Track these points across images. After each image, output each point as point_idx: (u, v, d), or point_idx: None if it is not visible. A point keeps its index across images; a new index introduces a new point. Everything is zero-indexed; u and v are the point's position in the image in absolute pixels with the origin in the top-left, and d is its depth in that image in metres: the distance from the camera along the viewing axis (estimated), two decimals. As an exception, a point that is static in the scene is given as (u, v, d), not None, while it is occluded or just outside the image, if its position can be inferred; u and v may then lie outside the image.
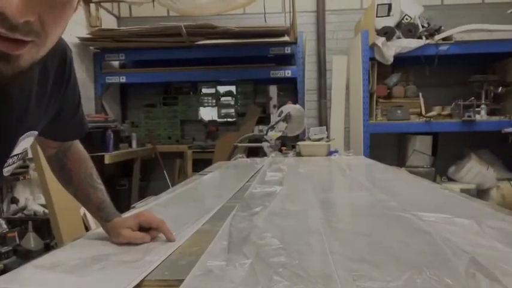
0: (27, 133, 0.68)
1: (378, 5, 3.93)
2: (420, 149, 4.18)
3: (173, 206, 1.34)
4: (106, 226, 0.90)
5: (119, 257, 0.79)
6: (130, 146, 4.17)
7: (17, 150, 0.69)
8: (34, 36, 0.46)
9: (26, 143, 0.70)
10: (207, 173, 2.23)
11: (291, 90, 4.45)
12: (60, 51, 0.71)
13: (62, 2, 0.47)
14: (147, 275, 0.69)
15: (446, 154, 4.34)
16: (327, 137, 3.62)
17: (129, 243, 0.86)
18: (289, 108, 3.42)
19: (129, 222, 0.88)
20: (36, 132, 0.73)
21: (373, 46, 3.91)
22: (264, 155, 3.33)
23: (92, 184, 0.94)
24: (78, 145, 0.98)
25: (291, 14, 3.88)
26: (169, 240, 0.87)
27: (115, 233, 0.87)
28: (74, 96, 0.81)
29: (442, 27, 3.97)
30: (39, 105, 0.69)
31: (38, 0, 0.43)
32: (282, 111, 3.42)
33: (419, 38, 3.90)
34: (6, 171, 0.70)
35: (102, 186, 0.95)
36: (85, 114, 0.95)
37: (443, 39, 3.90)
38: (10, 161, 0.69)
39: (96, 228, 1.03)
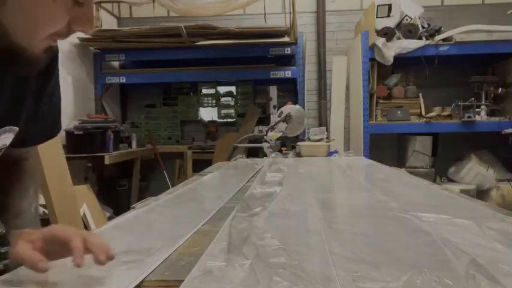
0: (4, 128, 0.70)
1: (378, 5, 3.93)
2: (420, 150, 4.18)
3: (173, 207, 1.34)
4: (12, 233, 0.68)
5: (117, 257, 0.79)
6: (130, 146, 4.17)
7: None
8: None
9: (4, 138, 0.71)
10: (207, 173, 2.23)
11: (291, 90, 4.45)
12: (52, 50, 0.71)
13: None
14: (147, 276, 0.69)
15: (446, 155, 4.34)
16: (327, 138, 3.62)
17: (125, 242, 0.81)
18: (289, 108, 3.42)
19: (35, 235, 0.65)
20: (16, 129, 0.73)
21: (373, 47, 3.91)
22: (264, 155, 3.33)
23: (23, 195, 0.86)
24: (31, 160, 0.91)
25: (291, 14, 3.88)
26: (76, 263, 0.62)
27: (14, 243, 0.65)
28: (54, 93, 0.81)
29: (442, 28, 3.97)
30: (19, 99, 0.70)
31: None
32: (282, 112, 3.42)
33: (420, 38, 3.90)
34: None
35: (35, 202, 0.87)
36: (61, 117, 0.89)
37: (444, 39, 3.90)
38: None
39: (97, 228, 1.02)
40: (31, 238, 0.64)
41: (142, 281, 0.67)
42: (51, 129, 0.86)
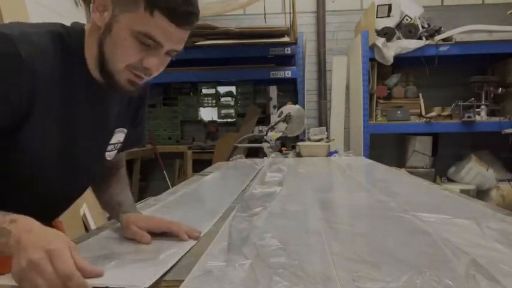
0: (120, 128, 0.99)
1: (378, 5, 3.92)
2: (420, 150, 4.18)
3: (178, 208, 1.34)
4: (122, 217, 0.94)
5: (132, 256, 0.80)
6: (130, 146, 4.16)
7: (114, 140, 0.99)
8: (148, 75, 0.85)
9: (119, 136, 1.00)
10: (207, 173, 2.23)
11: (291, 90, 4.45)
12: (147, 86, 1.02)
13: (166, 64, 0.86)
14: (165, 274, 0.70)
15: (446, 155, 4.34)
16: (327, 138, 3.62)
17: (136, 242, 0.89)
18: (289, 108, 3.42)
19: (141, 222, 0.91)
20: (125, 130, 1.02)
21: (373, 47, 3.91)
22: (264, 155, 3.33)
23: (122, 189, 1.06)
24: (123, 170, 1.13)
25: (291, 14, 3.88)
26: (181, 238, 0.88)
27: (126, 226, 0.92)
28: (143, 112, 1.09)
29: (442, 28, 3.97)
30: (125, 114, 1.01)
31: (163, 63, 0.85)
32: (282, 112, 3.42)
33: (420, 38, 3.89)
34: (108, 155, 0.99)
35: (130, 194, 1.07)
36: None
37: (444, 40, 3.90)
38: (109, 147, 0.98)
39: (97, 228, 1.03)
40: (140, 225, 0.89)
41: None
42: (140, 139, 1.15)
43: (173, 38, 0.80)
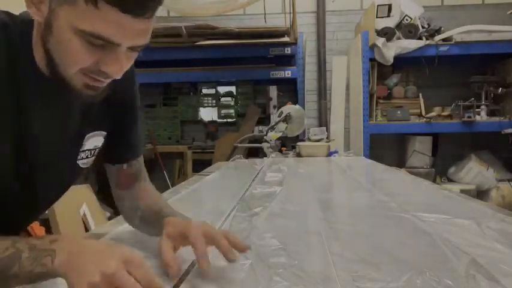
0: (94, 132, 0.84)
1: (378, 5, 3.92)
2: (420, 150, 4.18)
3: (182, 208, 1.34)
4: (162, 222, 0.80)
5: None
6: (130, 146, 4.16)
7: (88, 145, 0.84)
8: (109, 79, 0.69)
9: (95, 140, 0.85)
10: (207, 173, 2.23)
11: (291, 90, 4.45)
12: (129, 83, 0.89)
13: (131, 63, 0.69)
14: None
15: (446, 155, 4.34)
16: (327, 138, 3.63)
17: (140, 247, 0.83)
18: (289, 108, 3.42)
19: (176, 229, 0.75)
20: (104, 133, 0.86)
21: (373, 47, 3.90)
22: (264, 155, 3.33)
23: (157, 201, 0.93)
24: (150, 185, 0.98)
25: (291, 14, 3.87)
26: (228, 260, 0.71)
27: (164, 231, 0.76)
28: (130, 117, 0.93)
29: (442, 28, 3.96)
30: (102, 115, 0.84)
31: (127, 61, 0.67)
32: (282, 112, 3.42)
33: (420, 38, 3.89)
34: (82, 163, 0.85)
35: (167, 204, 0.95)
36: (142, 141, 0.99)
37: (444, 40, 3.89)
38: (83, 154, 0.84)
39: (95, 233, 1.02)
40: (172, 233, 0.74)
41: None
42: (135, 150, 0.95)
43: (131, 32, 0.61)
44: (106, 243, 0.64)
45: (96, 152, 0.88)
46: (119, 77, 0.68)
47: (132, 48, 0.66)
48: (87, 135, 0.83)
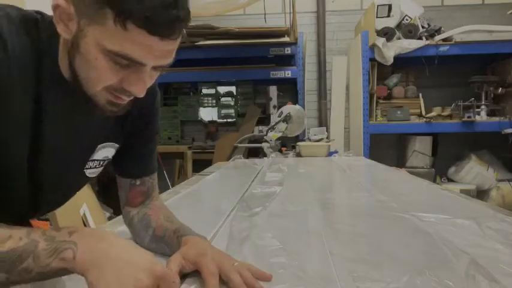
0: (106, 143, 0.83)
1: (378, 5, 3.92)
2: (420, 150, 4.18)
3: (184, 208, 1.34)
4: (180, 240, 0.78)
5: None
6: (130, 146, 4.16)
7: (97, 155, 0.83)
8: (132, 97, 0.69)
9: (106, 151, 0.84)
10: (207, 173, 2.23)
11: (291, 90, 4.45)
12: (150, 98, 0.86)
13: (153, 81, 0.69)
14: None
15: (446, 155, 4.34)
16: (327, 138, 3.63)
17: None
18: (289, 108, 3.43)
19: (192, 255, 0.71)
20: (116, 145, 0.86)
21: (373, 47, 3.90)
22: (264, 155, 3.33)
23: (170, 220, 0.89)
24: (162, 204, 0.96)
25: (291, 14, 3.87)
26: None
27: (181, 249, 0.74)
28: (148, 133, 0.91)
29: (442, 28, 3.97)
30: (118, 127, 0.84)
31: (150, 80, 0.67)
32: (282, 112, 3.42)
33: (420, 38, 3.89)
34: (89, 172, 0.84)
35: (180, 222, 0.90)
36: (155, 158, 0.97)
37: (444, 40, 3.89)
38: (91, 164, 0.83)
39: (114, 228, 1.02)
40: (188, 255, 0.71)
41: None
42: (147, 167, 0.94)
43: (157, 54, 0.62)
44: (133, 245, 0.61)
45: (105, 163, 0.87)
46: (142, 96, 0.68)
47: (155, 68, 0.66)
48: (99, 146, 0.83)
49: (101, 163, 0.86)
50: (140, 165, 0.92)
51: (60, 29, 0.63)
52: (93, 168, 0.84)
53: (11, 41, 0.62)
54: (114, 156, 0.88)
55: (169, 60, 0.66)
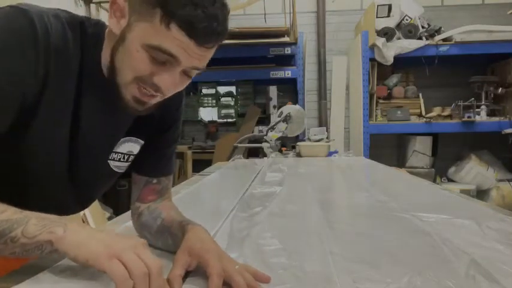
0: (129, 137, 0.88)
1: (378, 5, 3.92)
2: (420, 150, 4.18)
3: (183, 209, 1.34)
4: (185, 229, 0.78)
5: None
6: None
7: (121, 148, 0.88)
8: (159, 94, 0.73)
9: (130, 146, 0.89)
10: (207, 173, 2.23)
11: (291, 90, 4.45)
12: (177, 102, 0.91)
13: (183, 86, 0.75)
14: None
15: (446, 155, 4.34)
16: (327, 138, 3.63)
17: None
18: (289, 108, 3.42)
19: (196, 249, 0.72)
20: (141, 141, 0.90)
21: (373, 47, 3.90)
22: (264, 155, 3.33)
23: (181, 215, 0.90)
24: (173, 204, 0.97)
25: (291, 14, 3.87)
26: None
27: (185, 243, 0.74)
28: (170, 136, 0.95)
29: (442, 28, 3.97)
30: (141, 124, 0.87)
31: (180, 83, 0.73)
32: (282, 112, 3.42)
33: (420, 38, 3.89)
34: (114, 166, 0.88)
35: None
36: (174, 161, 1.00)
37: (444, 40, 3.89)
38: (115, 156, 0.87)
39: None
40: (192, 250, 0.71)
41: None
42: (165, 167, 0.96)
43: (192, 54, 0.68)
44: (120, 235, 0.67)
45: (131, 158, 0.90)
46: (168, 95, 0.74)
47: (186, 72, 0.72)
48: (123, 139, 0.87)
49: (126, 157, 0.89)
50: (160, 165, 0.95)
51: (111, 23, 0.71)
52: (117, 161, 0.88)
53: (56, 34, 0.70)
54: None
55: (201, 64, 0.71)
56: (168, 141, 0.95)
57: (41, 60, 0.68)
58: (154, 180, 0.93)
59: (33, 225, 0.61)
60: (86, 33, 0.75)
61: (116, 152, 0.87)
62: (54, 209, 0.82)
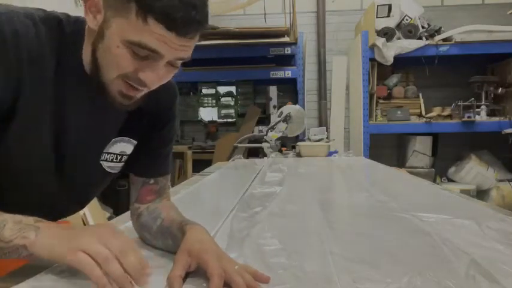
0: (121, 137, 0.87)
1: (378, 5, 3.92)
2: (420, 150, 4.18)
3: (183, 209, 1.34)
4: (184, 229, 0.78)
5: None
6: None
7: (113, 149, 0.86)
8: (146, 88, 0.72)
9: (122, 146, 0.87)
10: (207, 173, 2.23)
11: (291, 90, 4.45)
12: (169, 99, 0.91)
13: (170, 77, 0.74)
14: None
15: (446, 155, 4.34)
16: (327, 138, 3.62)
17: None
18: (289, 108, 3.42)
19: (195, 251, 0.71)
20: (134, 142, 0.89)
21: (373, 47, 3.90)
22: (264, 155, 3.33)
23: (180, 215, 0.89)
24: (173, 204, 0.97)
25: (291, 14, 3.87)
26: None
27: (185, 243, 0.73)
28: (165, 135, 0.93)
29: (442, 28, 3.96)
30: (132, 124, 0.86)
31: (165, 75, 0.72)
32: (282, 112, 3.42)
33: (420, 38, 3.89)
34: (107, 166, 0.87)
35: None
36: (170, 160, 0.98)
37: (444, 40, 3.89)
38: (107, 156, 0.86)
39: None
40: (192, 250, 0.70)
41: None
42: (160, 167, 0.94)
43: (174, 46, 0.67)
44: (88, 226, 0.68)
45: (124, 158, 0.89)
46: (154, 87, 0.72)
47: (171, 64, 0.71)
48: (114, 139, 0.86)
49: (119, 158, 0.88)
50: (156, 165, 0.94)
51: (88, 19, 0.69)
52: (109, 161, 0.87)
53: (27, 37, 0.67)
54: (130, 154, 0.90)
55: (185, 54, 0.70)
56: (164, 141, 0.94)
57: (12, 67, 0.66)
58: (152, 181, 0.92)
59: (9, 229, 0.61)
60: (63, 32, 0.73)
61: (108, 153, 0.86)
62: (50, 209, 0.84)
